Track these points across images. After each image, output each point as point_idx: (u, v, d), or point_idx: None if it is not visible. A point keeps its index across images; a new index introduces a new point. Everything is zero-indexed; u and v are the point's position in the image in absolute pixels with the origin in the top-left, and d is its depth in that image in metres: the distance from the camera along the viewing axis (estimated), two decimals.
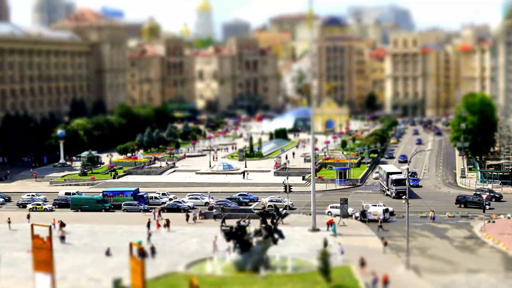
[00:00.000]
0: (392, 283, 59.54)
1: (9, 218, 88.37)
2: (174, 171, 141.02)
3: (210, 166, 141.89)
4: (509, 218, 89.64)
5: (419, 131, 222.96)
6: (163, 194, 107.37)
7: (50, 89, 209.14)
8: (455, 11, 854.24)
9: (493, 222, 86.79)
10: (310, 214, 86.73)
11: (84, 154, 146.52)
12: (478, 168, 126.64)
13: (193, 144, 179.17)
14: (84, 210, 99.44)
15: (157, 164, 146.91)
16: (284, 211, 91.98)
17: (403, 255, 68.91)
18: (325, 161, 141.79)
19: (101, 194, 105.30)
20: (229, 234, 66.08)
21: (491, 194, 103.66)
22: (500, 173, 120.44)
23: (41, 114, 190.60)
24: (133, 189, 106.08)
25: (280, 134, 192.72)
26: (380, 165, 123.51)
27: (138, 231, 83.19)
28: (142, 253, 51.83)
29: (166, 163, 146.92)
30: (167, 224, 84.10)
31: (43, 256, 54.57)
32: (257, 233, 66.36)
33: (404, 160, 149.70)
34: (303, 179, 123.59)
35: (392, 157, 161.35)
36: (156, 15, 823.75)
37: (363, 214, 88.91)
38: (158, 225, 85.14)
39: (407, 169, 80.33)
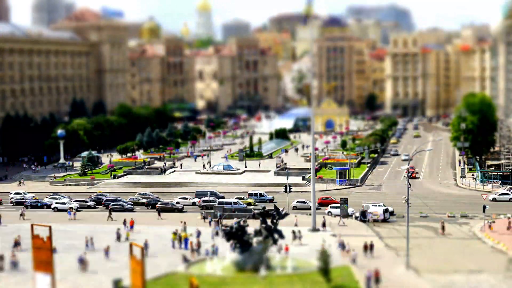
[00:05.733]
0: (392, 283, 59.55)
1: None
2: (174, 171, 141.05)
3: (210, 166, 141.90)
4: (509, 218, 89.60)
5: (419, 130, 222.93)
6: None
7: (50, 89, 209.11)
8: (455, 11, 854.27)
9: (493, 222, 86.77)
10: (310, 214, 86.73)
11: (84, 154, 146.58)
12: (478, 168, 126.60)
13: (193, 144, 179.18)
14: None
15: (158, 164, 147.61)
16: (284, 211, 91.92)
17: (403, 255, 68.88)
18: (325, 161, 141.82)
19: None
20: (229, 234, 66.05)
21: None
22: (500, 173, 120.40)
23: (41, 114, 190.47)
24: None
25: (280, 134, 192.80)
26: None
27: (139, 230, 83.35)
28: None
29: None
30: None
31: (43, 256, 54.54)
32: (257, 233, 66.32)
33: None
34: (303, 179, 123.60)
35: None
36: (156, 15, 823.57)
37: (363, 214, 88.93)
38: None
39: (407, 168, 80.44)
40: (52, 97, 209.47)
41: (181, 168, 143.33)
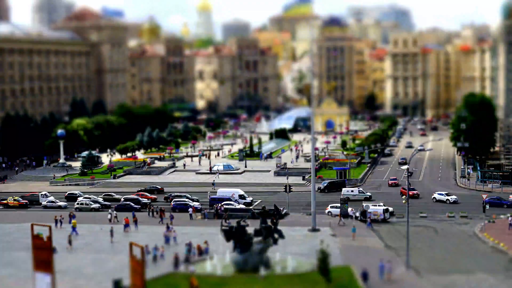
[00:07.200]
0: (392, 283, 59.56)
1: None
2: (174, 171, 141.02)
3: (210, 166, 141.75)
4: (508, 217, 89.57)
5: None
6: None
7: (50, 89, 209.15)
8: (455, 11, 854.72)
9: (493, 222, 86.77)
10: (310, 214, 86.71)
11: (84, 154, 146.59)
12: (478, 168, 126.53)
13: (193, 144, 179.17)
14: None
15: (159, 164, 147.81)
16: (285, 211, 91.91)
17: (403, 255, 68.86)
18: (325, 161, 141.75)
19: None
20: (229, 234, 65.97)
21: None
22: (500, 173, 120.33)
23: (41, 114, 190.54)
24: None
25: (280, 134, 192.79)
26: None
27: (138, 230, 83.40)
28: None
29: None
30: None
31: (43, 256, 54.51)
32: (257, 233, 66.27)
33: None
34: (303, 179, 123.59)
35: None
36: (156, 15, 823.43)
37: (363, 214, 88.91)
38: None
39: (407, 169, 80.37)
40: (52, 97, 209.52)
41: (184, 167, 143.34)
